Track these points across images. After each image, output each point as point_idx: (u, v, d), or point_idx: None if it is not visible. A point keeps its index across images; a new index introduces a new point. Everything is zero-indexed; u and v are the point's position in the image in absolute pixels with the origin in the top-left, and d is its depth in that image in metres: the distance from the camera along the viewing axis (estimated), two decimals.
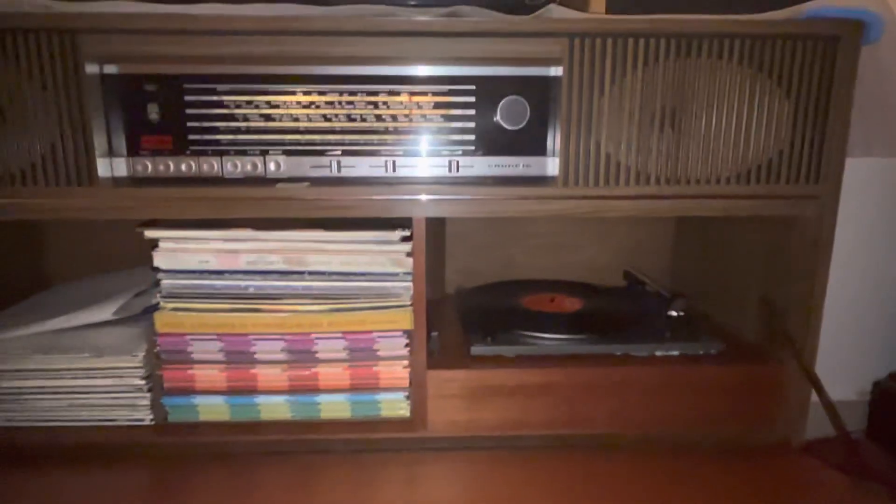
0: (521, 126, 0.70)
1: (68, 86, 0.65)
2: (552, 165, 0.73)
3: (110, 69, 0.69)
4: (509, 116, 0.70)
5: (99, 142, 0.68)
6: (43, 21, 0.63)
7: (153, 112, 0.70)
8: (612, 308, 0.90)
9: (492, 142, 0.72)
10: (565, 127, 0.69)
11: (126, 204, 0.68)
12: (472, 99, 0.71)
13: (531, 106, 0.70)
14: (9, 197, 0.67)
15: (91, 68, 0.66)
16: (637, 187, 0.71)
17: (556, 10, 0.65)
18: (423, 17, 0.65)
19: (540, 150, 0.72)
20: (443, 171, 0.72)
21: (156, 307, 0.75)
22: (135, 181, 0.71)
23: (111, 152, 0.70)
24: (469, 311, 0.91)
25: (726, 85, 0.69)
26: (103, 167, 0.69)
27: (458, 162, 0.72)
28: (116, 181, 0.71)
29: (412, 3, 0.68)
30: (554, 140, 0.72)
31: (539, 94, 0.71)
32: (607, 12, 0.75)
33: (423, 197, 0.70)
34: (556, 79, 0.70)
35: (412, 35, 0.66)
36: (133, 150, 0.70)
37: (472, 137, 0.72)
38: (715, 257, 0.91)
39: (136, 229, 0.72)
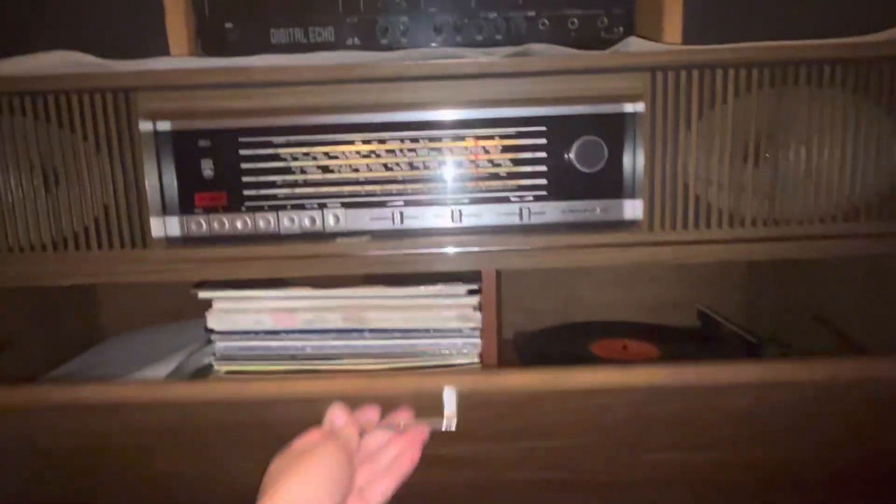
0: (597, 168, 0.65)
1: (122, 145, 0.63)
2: (632, 208, 0.67)
3: (163, 126, 0.66)
4: (584, 157, 0.65)
5: (152, 201, 0.65)
6: (98, 81, 0.61)
7: (207, 168, 0.67)
8: (690, 355, 0.83)
9: (565, 185, 0.67)
10: (649, 167, 0.63)
11: (180, 266, 0.66)
12: (544, 141, 0.66)
13: (608, 145, 0.65)
14: (62, 261, 0.65)
15: (145, 126, 0.64)
16: (730, 230, 0.64)
17: (635, 43, 0.61)
18: (490, 58, 0.61)
19: (618, 192, 0.67)
20: (512, 219, 0.68)
21: (209, 368, 0.72)
22: (188, 240, 0.68)
23: (164, 211, 0.68)
24: (532, 361, 0.85)
25: (827, 114, 0.62)
26: (157, 227, 0.66)
27: (528, 208, 0.67)
28: (170, 241, 0.68)
29: (478, 40, 0.64)
30: (633, 181, 0.67)
31: (615, 132, 0.66)
32: (684, 43, 0.70)
33: (493, 248, 0.65)
34: (634, 115, 0.65)
35: (479, 77, 0.62)
36: (187, 209, 0.68)
37: (544, 181, 0.67)
38: (798, 292, 0.83)
39: (190, 291, 0.70)
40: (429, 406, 0.51)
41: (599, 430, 0.58)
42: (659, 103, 0.62)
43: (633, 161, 0.66)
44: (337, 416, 0.50)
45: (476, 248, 0.65)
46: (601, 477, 0.64)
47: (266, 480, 0.46)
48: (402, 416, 0.52)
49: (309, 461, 0.46)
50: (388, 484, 0.50)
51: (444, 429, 0.51)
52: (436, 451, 0.50)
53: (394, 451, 0.51)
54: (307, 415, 0.49)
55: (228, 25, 0.61)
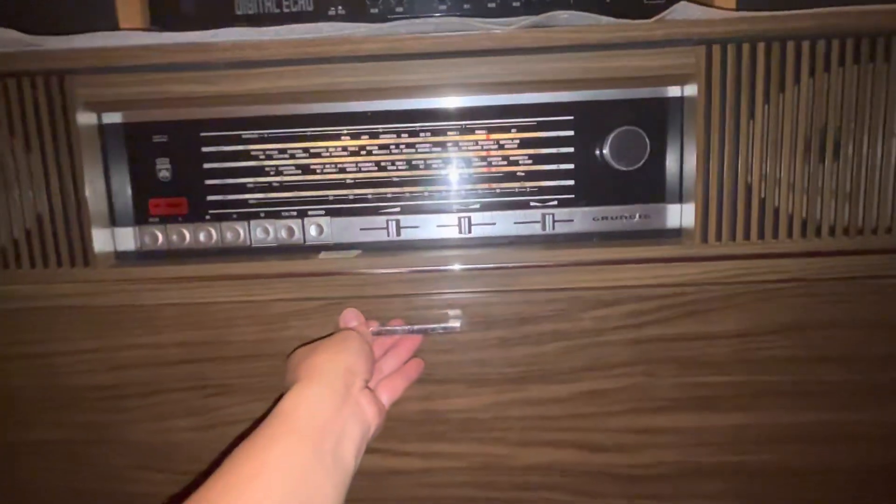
0: (636, 165, 0.54)
1: (58, 141, 0.52)
2: (675, 215, 0.55)
3: (111, 118, 0.56)
4: (621, 153, 0.54)
5: (96, 209, 0.54)
6: (26, 62, 0.49)
7: (163, 168, 0.56)
8: None
9: (597, 187, 0.55)
10: (703, 163, 0.51)
11: (130, 287, 0.54)
12: (571, 133, 0.55)
13: (650, 138, 0.54)
14: None
15: (85, 118, 0.53)
16: (804, 241, 0.52)
17: (686, 10, 0.50)
18: (506, 30, 0.50)
19: (662, 194, 0.55)
20: (533, 229, 0.56)
21: None
22: (143, 255, 0.57)
23: (113, 221, 0.57)
24: None
25: None
26: (102, 240, 0.55)
27: (552, 215, 0.56)
28: (120, 257, 0.57)
29: (490, 8, 0.53)
30: (681, 181, 0.55)
31: (660, 121, 0.54)
32: (738, 9, 0.59)
33: (510, 264, 0.53)
34: (682, 100, 0.54)
35: (493, 54, 0.50)
36: (140, 218, 0.57)
37: (571, 182, 0.56)
38: None
39: None
40: None
41: None
42: (715, 84, 0.50)
43: (682, 157, 0.55)
44: (350, 317, 0.51)
45: (491, 265, 0.54)
46: None
47: (291, 366, 0.47)
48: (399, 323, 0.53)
49: (337, 341, 0.47)
50: (399, 385, 0.51)
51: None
52: None
53: (402, 355, 0.53)
54: None
55: None
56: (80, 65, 0.51)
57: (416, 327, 0.53)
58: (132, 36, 0.51)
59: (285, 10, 0.53)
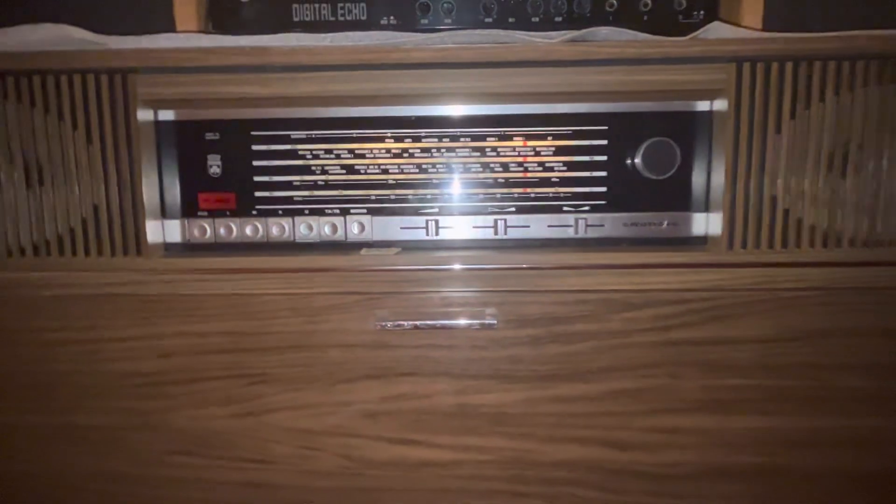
0: (667, 174, 0.57)
1: (117, 136, 0.55)
2: (704, 223, 0.58)
3: (165, 115, 0.59)
4: (652, 162, 0.57)
5: (150, 202, 0.58)
6: (92, 60, 0.53)
7: (214, 165, 0.59)
8: None
9: (628, 194, 0.58)
10: (730, 174, 0.54)
11: (179, 278, 0.57)
12: (605, 142, 0.58)
13: (681, 149, 0.57)
14: (41, 269, 0.58)
15: (144, 115, 0.57)
16: (825, 251, 0.55)
17: (719, 29, 0.53)
18: (548, 43, 0.53)
19: (691, 203, 0.58)
20: (566, 232, 0.59)
21: None
22: (189, 247, 0.60)
23: (164, 213, 0.60)
24: None
25: None
26: (154, 232, 0.58)
27: (584, 220, 0.59)
28: (169, 248, 0.60)
29: (534, 22, 0.56)
30: (707, 192, 0.58)
31: (690, 134, 0.57)
32: (764, 29, 0.62)
33: (543, 265, 0.56)
34: (712, 114, 0.57)
35: (535, 65, 0.54)
36: (189, 211, 0.60)
37: (603, 189, 0.59)
38: None
39: None
40: None
41: None
42: (744, 100, 0.53)
43: (710, 168, 0.58)
44: None
45: (524, 266, 0.57)
46: None
47: None
48: None
49: None
50: None
51: None
52: None
53: None
54: None
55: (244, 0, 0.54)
56: (144, 64, 0.54)
57: (452, 322, 0.56)
58: (193, 38, 0.54)
59: (340, 19, 0.57)
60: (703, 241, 0.58)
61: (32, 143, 0.56)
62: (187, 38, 0.54)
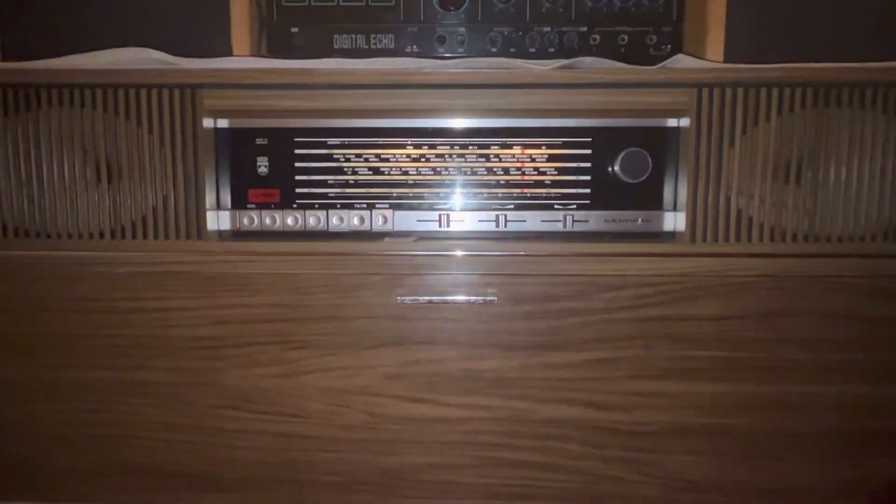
0: (640, 179, 0.68)
1: (185, 140, 0.67)
2: (672, 221, 0.70)
3: (223, 123, 0.71)
4: (628, 169, 0.68)
5: (208, 195, 0.70)
6: (168, 77, 0.65)
7: (262, 165, 0.71)
8: None
9: (608, 195, 0.70)
10: (692, 180, 0.66)
11: (232, 259, 0.69)
12: (589, 151, 0.70)
13: (652, 158, 0.68)
14: (118, 250, 0.69)
15: (207, 123, 0.69)
16: (772, 245, 0.67)
17: (682, 60, 0.64)
18: (542, 69, 0.65)
19: (659, 204, 0.70)
20: (556, 226, 0.70)
21: None
22: (240, 234, 0.72)
23: (218, 206, 0.72)
24: None
25: (869, 135, 0.65)
26: (211, 220, 0.70)
27: (571, 216, 0.70)
28: (222, 234, 0.71)
29: (531, 52, 0.68)
30: (675, 194, 0.69)
31: (660, 145, 0.69)
32: (726, 61, 0.74)
33: (538, 253, 0.68)
34: (678, 130, 0.69)
35: (531, 87, 0.66)
36: (239, 204, 0.72)
37: (588, 191, 0.70)
38: None
39: None
40: None
41: None
42: (704, 119, 0.65)
43: (676, 174, 0.70)
44: None
45: (521, 253, 0.68)
46: None
47: None
48: None
49: None
50: None
51: None
52: None
53: None
54: None
55: (294, 30, 0.65)
56: (209, 81, 0.66)
57: (460, 299, 0.67)
58: (250, 61, 0.66)
59: (372, 47, 0.69)
60: (672, 235, 0.70)
61: (115, 145, 0.68)
62: (245, 60, 0.66)
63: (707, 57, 0.72)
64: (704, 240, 0.67)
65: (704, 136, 0.65)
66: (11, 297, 0.70)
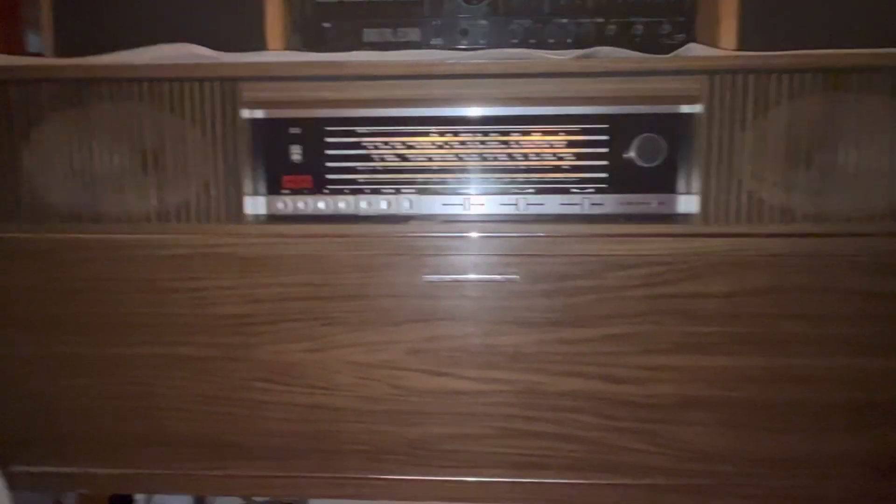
0: (655, 163, 0.72)
1: (225, 130, 0.73)
2: (686, 203, 0.73)
3: (258, 114, 0.76)
4: (644, 154, 0.72)
5: (246, 182, 0.75)
6: (210, 71, 0.71)
7: (296, 153, 0.76)
8: None
9: (624, 179, 0.73)
10: (705, 164, 0.70)
11: (268, 241, 0.74)
12: (606, 137, 0.73)
13: (666, 143, 0.71)
14: (162, 233, 0.75)
15: (245, 114, 0.74)
16: (781, 225, 0.70)
17: (695, 49, 0.68)
18: (560, 59, 0.68)
19: (673, 187, 0.73)
20: (574, 209, 0.74)
21: None
22: (274, 218, 0.76)
23: (255, 191, 0.77)
24: None
25: (877, 119, 0.68)
26: (249, 205, 0.75)
27: (588, 200, 0.74)
28: (258, 218, 0.76)
29: (550, 43, 0.72)
30: (688, 177, 0.73)
31: (674, 131, 0.72)
32: (738, 49, 0.77)
33: (558, 234, 0.72)
34: (692, 116, 0.72)
35: (550, 76, 0.70)
36: (274, 190, 0.76)
37: (604, 175, 0.74)
38: None
39: None
40: None
41: None
42: (716, 105, 0.69)
43: (690, 158, 0.73)
44: None
45: (542, 234, 0.72)
46: None
47: None
48: None
49: None
50: None
51: None
52: None
53: None
54: None
55: (326, 25, 0.70)
56: (248, 74, 0.71)
57: (482, 277, 0.71)
58: (286, 55, 0.71)
59: (399, 40, 0.73)
60: (685, 217, 0.73)
61: (160, 136, 0.73)
62: (280, 54, 0.70)
63: (720, 46, 0.75)
64: (716, 221, 0.70)
65: (717, 121, 0.69)
66: (65, 277, 0.76)
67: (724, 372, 0.73)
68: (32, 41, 0.94)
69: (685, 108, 0.72)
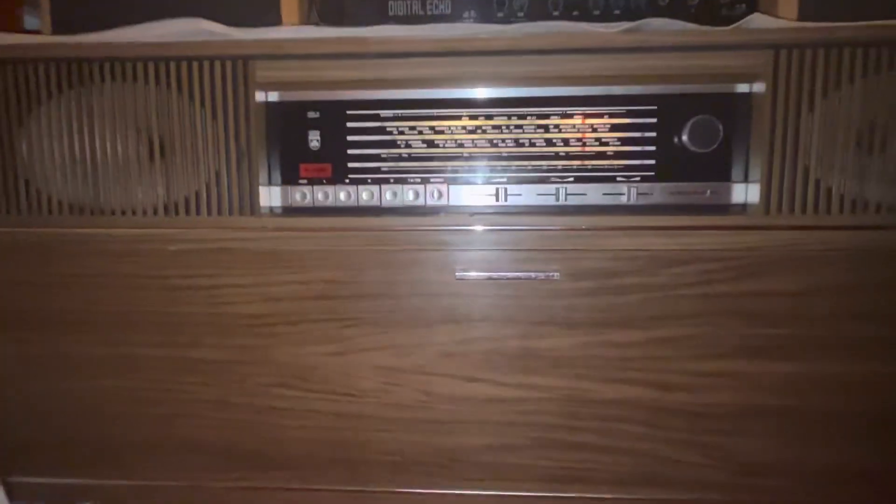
0: (710, 148, 0.66)
1: (237, 113, 0.67)
2: (741, 192, 0.67)
3: (273, 96, 0.70)
4: (697, 138, 0.65)
5: (260, 171, 0.69)
6: (220, 48, 0.65)
7: (314, 139, 0.70)
8: None
9: (674, 166, 0.67)
10: (768, 148, 0.63)
11: (284, 235, 0.68)
12: (654, 120, 0.67)
13: (723, 126, 0.65)
14: (171, 227, 0.69)
15: (259, 96, 0.68)
16: (852, 217, 0.64)
17: (758, 20, 0.61)
18: (607, 31, 0.62)
19: (727, 174, 0.67)
20: (618, 199, 0.68)
21: None
22: (291, 210, 0.70)
23: (270, 180, 0.71)
24: None
25: None
26: (264, 195, 0.69)
27: (635, 189, 0.68)
28: (274, 210, 0.71)
29: (595, 14, 0.65)
30: (746, 164, 0.67)
31: (731, 113, 0.65)
32: (800, 20, 0.70)
33: (601, 226, 0.66)
34: (748, 95, 0.65)
35: (596, 52, 0.63)
36: (290, 179, 0.71)
37: (652, 162, 0.67)
38: None
39: None
40: None
41: None
42: (781, 82, 0.62)
43: (748, 143, 0.66)
44: None
45: (584, 227, 0.66)
46: None
47: None
48: None
49: None
50: None
51: None
52: None
53: None
54: None
55: None
56: (262, 52, 0.65)
57: (521, 275, 0.65)
58: (303, 30, 0.65)
59: (428, 13, 0.67)
60: (742, 207, 0.67)
61: (167, 120, 0.67)
62: (297, 30, 0.64)
63: (780, 15, 0.69)
64: (779, 212, 0.64)
65: (781, 101, 0.62)
66: (66, 273, 0.71)
67: (786, 379, 0.67)
68: (29, 20, 0.89)
69: (741, 87, 0.65)
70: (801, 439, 0.68)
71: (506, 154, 0.68)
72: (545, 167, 0.68)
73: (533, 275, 0.66)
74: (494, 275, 0.66)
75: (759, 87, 0.64)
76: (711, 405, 0.68)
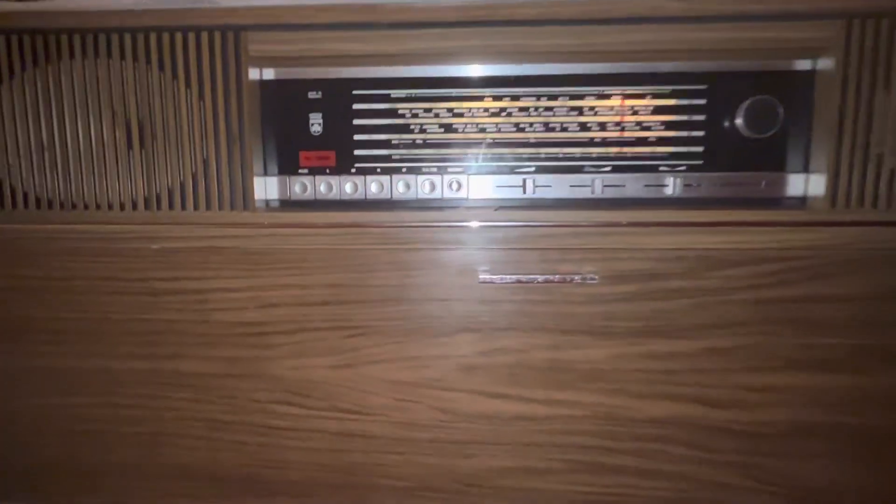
0: (768, 134, 0.58)
1: (228, 94, 0.59)
2: (803, 183, 0.60)
3: (269, 74, 0.62)
4: (754, 121, 0.58)
5: (254, 159, 0.61)
6: (207, 17, 0.56)
7: (315, 123, 0.62)
8: None
9: (725, 154, 0.59)
10: (835, 134, 0.56)
11: (281, 232, 0.60)
12: (704, 101, 0.59)
13: (783, 108, 0.58)
14: (153, 222, 0.61)
15: (253, 74, 0.60)
16: None
17: None
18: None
19: (791, 163, 0.60)
20: (662, 191, 0.61)
21: None
22: (288, 204, 0.63)
23: (265, 170, 0.63)
24: None
25: None
26: (258, 187, 0.61)
27: (680, 179, 0.61)
28: (270, 204, 0.63)
29: None
30: (807, 152, 0.59)
31: (793, 93, 0.58)
32: None
33: (641, 221, 0.58)
34: (809, 73, 0.58)
35: (639, 21, 0.55)
36: (289, 169, 0.63)
37: (700, 149, 0.60)
38: None
39: None
40: None
41: None
42: (853, 58, 0.55)
43: (810, 128, 0.59)
44: None
45: (622, 222, 0.58)
46: None
47: None
48: None
49: None
50: None
51: None
52: None
53: None
54: None
55: None
56: (257, 21, 0.57)
57: (553, 277, 0.58)
58: None
59: None
60: (803, 200, 0.60)
61: (148, 101, 0.59)
62: None
63: None
64: (848, 206, 0.56)
65: (853, 78, 0.55)
66: (32, 276, 0.63)
67: (848, 393, 0.60)
68: None
69: (801, 65, 0.58)
70: (863, 461, 0.61)
71: (534, 140, 0.61)
72: (578, 155, 0.61)
73: (567, 277, 0.59)
74: (522, 277, 0.58)
75: (825, 63, 0.56)
76: (764, 423, 0.60)
